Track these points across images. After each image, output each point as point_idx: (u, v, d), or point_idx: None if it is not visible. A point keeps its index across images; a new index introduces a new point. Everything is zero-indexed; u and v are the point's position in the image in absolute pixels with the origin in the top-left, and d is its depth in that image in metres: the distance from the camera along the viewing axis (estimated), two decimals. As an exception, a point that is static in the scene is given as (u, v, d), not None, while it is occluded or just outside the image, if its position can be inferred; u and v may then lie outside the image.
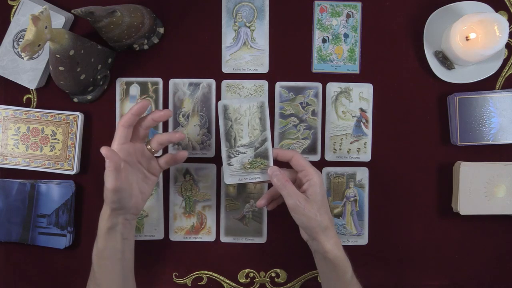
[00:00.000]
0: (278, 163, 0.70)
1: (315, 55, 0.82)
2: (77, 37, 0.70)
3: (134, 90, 0.82)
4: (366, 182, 0.81)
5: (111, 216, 0.67)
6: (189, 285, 0.82)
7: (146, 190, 0.71)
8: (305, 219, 0.66)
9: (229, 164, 0.71)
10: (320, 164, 0.81)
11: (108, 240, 0.69)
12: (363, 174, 0.81)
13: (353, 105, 0.81)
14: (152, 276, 0.82)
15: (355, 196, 0.81)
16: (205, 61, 0.82)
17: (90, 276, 0.71)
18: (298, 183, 0.69)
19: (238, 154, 0.71)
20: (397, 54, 0.82)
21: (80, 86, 0.76)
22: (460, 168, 0.78)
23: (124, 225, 0.69)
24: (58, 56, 0.69)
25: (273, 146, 0.74)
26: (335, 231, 0.68)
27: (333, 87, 0.82)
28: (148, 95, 0.82)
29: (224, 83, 0.81)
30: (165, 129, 0.82)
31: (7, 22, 0.80)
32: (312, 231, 0.67)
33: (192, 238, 0.82)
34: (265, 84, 0.81)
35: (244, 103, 0.70)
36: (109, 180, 0.64)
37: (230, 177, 0.72)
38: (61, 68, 0.71)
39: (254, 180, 0.71)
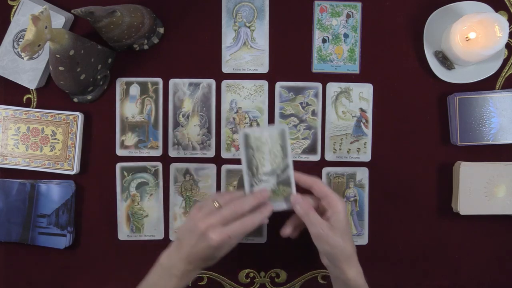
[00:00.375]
0: (301, 188, 0.69)
1: (315, 55, 0.82)
2: (77, 37, 0.70)
3: (134, 90, 0.82)
4: (366, 182, 0.81)
5: (185, 272, 0.65)
6: (189, 285, 0.82)
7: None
8: (328, 247, 0.65)
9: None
10: (320, 164, 0.81)
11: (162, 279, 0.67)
12: (363, 174, 0.81)
13: (353, 105, 0.81)
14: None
15: (355, 196, 0.81)
16: (205, 61, 0.82)
17: None
18: (321, 210, 0.67)
19: (261, 183, 0.69)
20: (397, 54, 0.82)
21: (80, 86, 0.76)
22: (460, 168, 0.78)
23: (189, 276, 0.67)
24: (58, 56, 0.69)
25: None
26: (357, 259, 0.67)
27: (333, 87, 0.82)
28: (148, 95, 0.82)
29: (224, 83, 0.81)
30: (165, 129, 0.82)
31: (7, 22, 0.80)
32: (335, 259, 0.65)
33: (192, 238, 0.82)
34: (265, 84, 0.81)
35: (265, 131, 0.69)
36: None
37: None
38: (61, 68, 0.71)
39: (278, 208, 0.69)
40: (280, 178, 0.69)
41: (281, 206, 0.69)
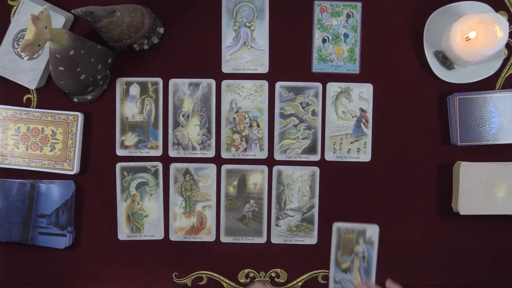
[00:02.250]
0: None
1: (315, 55, 0.82)
2: (77, 37, 0.70)
3: (134, 90, 0.82)
4: (375, 239, 0.80)
5: None
6: (189, 285, 0.82)
7: None
8: None
9: (277, 225, 0.79)
10: (320, 164, 0.81)
11: None
12: (373, 232, 0.80)
13: (353, 105, 0.81)
14: (152, 276, 0.82)
15: (363, 252, 0.80)
16: (205, 61, 0.82)
17: None
18: None
19: (286, 217, 0.79)
20: (397, 54, 0.82)
21: (80, 86, 0.76)
22: (460, 168, 0.78)
23: None
24: (58, 56, 0.69)
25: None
26: None
27: (333, 87, 0.82)
28: (148, 95, 0.82)
29: (224, 83, 0.81)
30: (165, 128, 0.82)
31: (7, 22, 0.80)
32: None
33: (192, 238, 0.82)
34: (265, 84, 0.81)
35: (297, 170, 0.78)
36: None
37: (277, 237, 0.80)
38: (61, 68, 0.71)
39: (298, 243, 0.80)
40: (305, 215, 0.79)
41: (302, 240, 0.80)
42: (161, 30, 0.81)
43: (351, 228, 0.80)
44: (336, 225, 0.79)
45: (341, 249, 0.80)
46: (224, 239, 0.82)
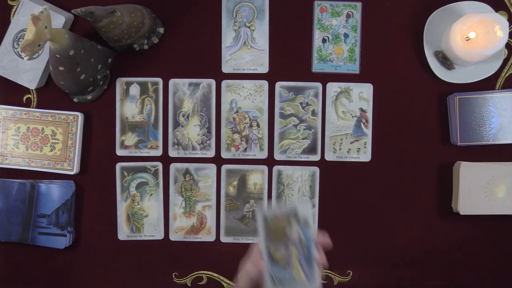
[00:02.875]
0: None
1: (315, 55, 0.82)
2: (77, 37, 0.70)
3: (134, 90, 0.82)
4: (310, 218, 0.63)
5: None
6: (189, 285, 0.82)
7: None
8: None
9: None
10: (320, 164, 0.81)
11: None
12: (305, 210, 0.63)
13: (353, 105, 0.81)
14: (152, 276, 0.82)
15: (300, 237, 0.62)
16: (205, 61, 0.82)
17: None
18: None
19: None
20: (397, 54, 0.82)
21: (80, 86, 0.76)
22: (460, 168, 0.78)
23: None
24: (58, 56, 0.69)
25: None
26: None
27: (333, 87, 0.82)
28: (148, 95, 0.82)
29: (224, 83, 0.81)
30: (165, 128, 0.82)
31: (7, 22, 0.80)
32: None
33: (192, 238, 0.82)
34: (265, 84, 0.81)
35: (297, 170, 0.76)
36: (239, 284, 0.62)
37: None
38: (61, 68, 0.71)
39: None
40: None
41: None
42: (161, 30, 0.81)
43: (279, 212, 0.63)
44: (262, 212, 0.63)
45: (272, 238, 0.64)
46: (224, 239, 0.82)
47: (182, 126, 0.82)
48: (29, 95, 0.81)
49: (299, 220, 0.63)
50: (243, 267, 0.62)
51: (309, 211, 0.64)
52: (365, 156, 0.81)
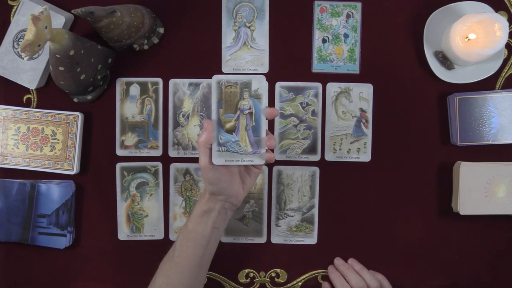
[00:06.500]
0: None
1: (315, 55, 0.82)
2: (77, 37, 0.70)
3: (134, 90, 0.82)
4: (263, 92, 0.66)
5: (209, 200, 0.67)
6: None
7: (248, 181, 0.69)
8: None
9: (277, 225, 0.81)
10: (320, 164, 0.81)
11: (199, 224, 0.68)
12: (259, 83, 0.66)
13: (353, 105, 0.81)
14: (152, 276, 0.82)
15: (250, 108, 0.66)
16: (205, 61, 0.82)
17: (169, 252, 0.71)
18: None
19: (286, 217, 0.79)
20: (397, 54, 0.82)
21: (80, 86, 0.76)
22: (460, 168, 0.78)
23: (219, 213, 0.67)
24: (58, 56, 0.69)
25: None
26: None
27: (333, 87, 0.82)
28: (148, 95, 0.82)
29: (224, 83, 0.81)
30: (165, 129, 0.82)
31: (7, 22, 0.80)
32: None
33: (192, 238, 0.82)
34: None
35: (297, 170, 0.77)
36: (200, 158, 0.64)
37: (277, 237, 0.81)
38: (61, 68, 0.71)
39: (298, 243, 0.81)
40: (305, 215, 0.80)
41: (302, 240, 0.81)
42: (161, 30, 0.81)
43: (233, 80, 0.65)
44: (216, 78, 0.65)
45: (224, 106, 0.66)
46: (224, 239, 0.82)
47: (182, 126, 0.82)
48: (29, 95, 0.81)
49: (251, 92, 0.66)
50: (199, 140, 0.64)
51: (264, 85, 0.66)
52: (365, 156, 0.81)
